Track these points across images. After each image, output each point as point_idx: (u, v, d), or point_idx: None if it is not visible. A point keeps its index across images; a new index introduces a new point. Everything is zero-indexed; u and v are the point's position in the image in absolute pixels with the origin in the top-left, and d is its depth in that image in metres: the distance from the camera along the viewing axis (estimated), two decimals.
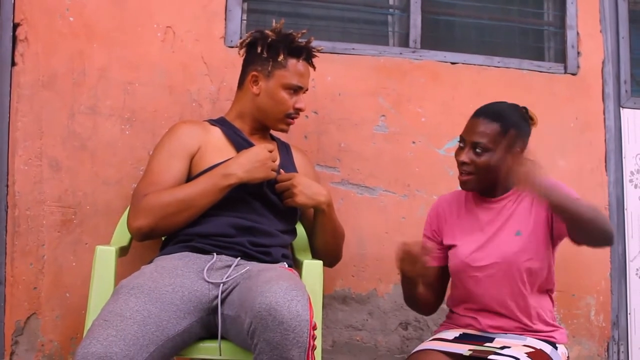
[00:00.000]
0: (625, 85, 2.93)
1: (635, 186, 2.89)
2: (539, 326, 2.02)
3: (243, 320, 1.71)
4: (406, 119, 2.69)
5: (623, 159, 2.89)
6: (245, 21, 2.63)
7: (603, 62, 2.92)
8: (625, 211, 2.87)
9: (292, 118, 2.23)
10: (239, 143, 2.17)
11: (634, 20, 3.02)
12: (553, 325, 2.05)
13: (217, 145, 2.16)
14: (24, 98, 2.41)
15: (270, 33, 2.18)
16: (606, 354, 2.80)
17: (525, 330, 2.01)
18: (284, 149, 2.32)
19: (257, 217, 2.10)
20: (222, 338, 1.86)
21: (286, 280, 1.73)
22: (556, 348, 1.99)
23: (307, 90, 2.26)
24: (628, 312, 2.84)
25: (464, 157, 2.01)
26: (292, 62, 2.18)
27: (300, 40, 2.21)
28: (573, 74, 2.88)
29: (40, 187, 2.39)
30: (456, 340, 2.01)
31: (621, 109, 2.91)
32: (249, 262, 2.00)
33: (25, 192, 2.39)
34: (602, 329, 2.80)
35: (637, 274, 2.86)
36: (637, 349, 2.83)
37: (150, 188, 2.03)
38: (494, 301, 2.02)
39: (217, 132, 2.20)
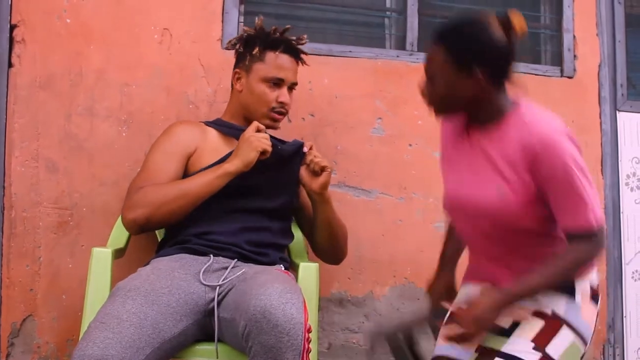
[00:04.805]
0: (622, 88, 2.93)
1: (632, 189, 2.90)
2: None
3: (238, 323, 1.71)
4: (403, 121, 2.69)
5: (619, 162, 2.90)
6: (242, 23, 2.63)
7: (599, 66, 2.92)
8: (621, 214, 2.87)
9: (278, 113, 2.20)
10: (236, 134, 2.17)
11: (631, 23, 3.02)
12: None
13: (214, 146, 2.16)
14: (20, 99, 2.41)
15: (247, 29, 2.21)
16: (602, 356, 2.81)
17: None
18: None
19: (254, 217, 2.10)
20: (219, 340, 1.86)
21: (281, 283, 1.73)
22: (573, 294, 1.70)
23: (294, 84, 2.24)
24: (624, 315, 2.85)
25: (421, 86, 1.76)
26: (270, 55, 2.18)
27: (285, 35, 2.21)
28: (569, 77, 2.88)
29: (37, 188, 2.39)
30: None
31: (617, 112, 2.92)
32: (245, 264, 2.00)
33: (21, 193, 2.38)
34: (598, 332, 2.81)
35: (632, 277, 2.86)
36: (633, 352, 2.84)
37: (145, 183, 2.04)
38: (480, 249, 1.82)
39: (213, 133, 2.20)
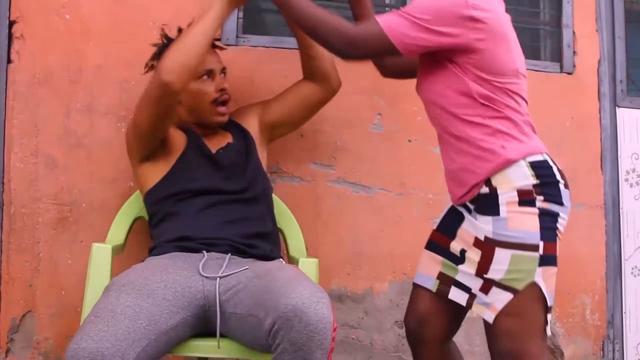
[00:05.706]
0: (621, 84, 2.93)
1: (631, 185, 2.90)
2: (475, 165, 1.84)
3: (261, 320, 1.70)
4: (402, 117, 2.69)
5: (619, 158, 2.90)
6: (241, 19, 2.62)
7: (599, 62, 2.92)
8: (620, 210, 2.87)
9: (222, 103, 2.20)
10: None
11: (630, 19, 3.02)
12: (485, 149, 1.83)
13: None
14: (19, 95, 2.41)
15: (154, 44, 2.27)
16: (601, 352, 2.81)
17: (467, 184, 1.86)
18: (237, 130, 2.30)
19: (236, 207, 2.10)
20: (222, 335, 1.85)
21: (308, 281, 1.75)
22: (498, 209, 1.77)
23: (224, 69, 2.24)
24: (623, 311, 2.85)
25: None
26: None
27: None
28: (569, 73, 2.88)
29: (36, 184, 2.39)
30: (436, 236, 1.99)
31: (617, 108, 2.92)
32: (244, 260, 1.99)
33: (21, 189, 2.39)
34: (598, 328, 2.81)
35: (632, 273, 2.86)
36: (632, 348, 2.84)
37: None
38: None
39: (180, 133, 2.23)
